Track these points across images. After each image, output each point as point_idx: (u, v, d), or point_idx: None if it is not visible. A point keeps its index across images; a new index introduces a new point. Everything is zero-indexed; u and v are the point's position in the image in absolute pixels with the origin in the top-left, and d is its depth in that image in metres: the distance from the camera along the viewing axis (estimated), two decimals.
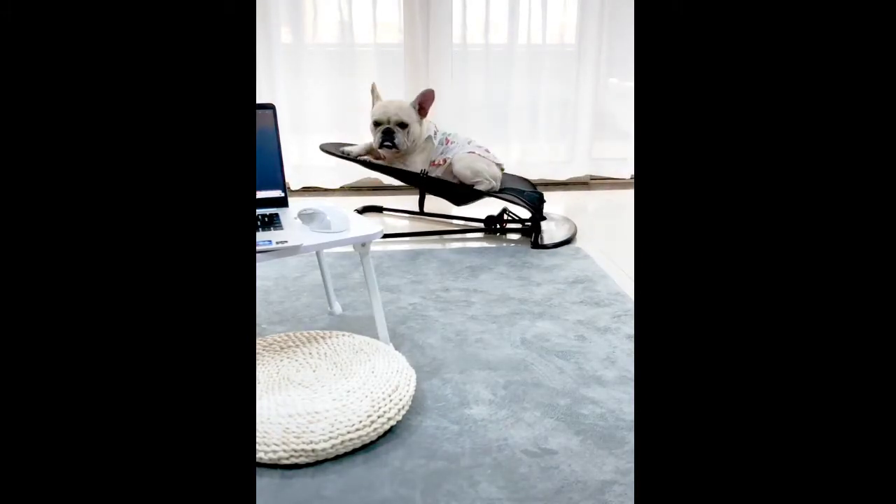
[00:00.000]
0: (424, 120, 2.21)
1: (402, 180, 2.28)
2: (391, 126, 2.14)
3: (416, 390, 1.28)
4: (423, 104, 2.18)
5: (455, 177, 2.21)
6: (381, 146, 2.18)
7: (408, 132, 2.15)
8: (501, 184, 2.28)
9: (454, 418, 1.20)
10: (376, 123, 2.17)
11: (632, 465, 1.07)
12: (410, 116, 2.15)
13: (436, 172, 2.23)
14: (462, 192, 2.23)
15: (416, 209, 2.51)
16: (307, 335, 1.41)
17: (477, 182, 2.19)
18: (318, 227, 1.32)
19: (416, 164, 2.20)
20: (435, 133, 2.26)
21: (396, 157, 2.22)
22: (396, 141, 2.15)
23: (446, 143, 2.25)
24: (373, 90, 2.23)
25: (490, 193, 2.21)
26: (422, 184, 2.24)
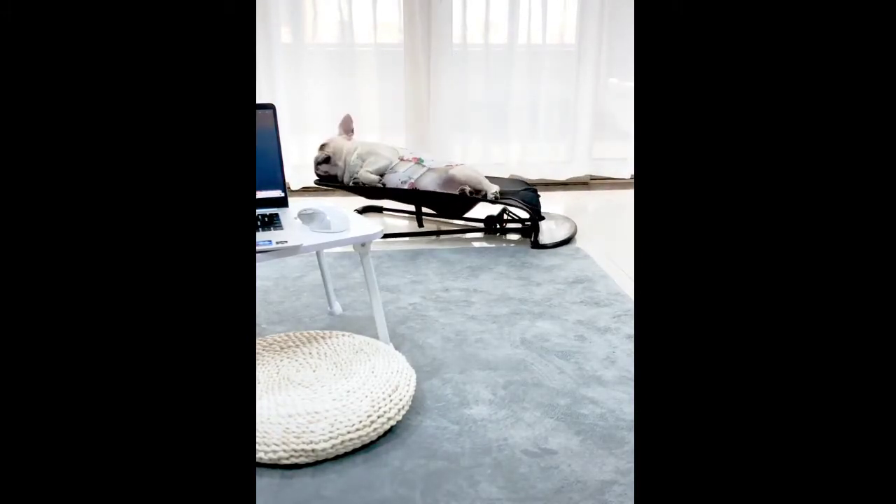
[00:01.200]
0: (350, 139, 2.35)
1: (393, 199, 2.29)
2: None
3: (416, 390, 1.28)
4: (346, 127, 2.37)
5: (455, 183, 2.19)
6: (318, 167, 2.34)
7: (332, 150, 2.29)
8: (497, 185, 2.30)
9: (454, 418, 1.20)
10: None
11: (632, 465, 1.07)
12: (332, 138, 2.34)
13: (419, 174, 2.21)
14: (457, 203, 2.22)
15: (415, 214, 2.52)
16: (307, 335, 1.41)
17: (473, 189, 2.20)
18: (318, 227, 1.32)
19: (348, 167, 2.28)
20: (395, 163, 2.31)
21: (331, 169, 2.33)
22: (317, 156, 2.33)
23: (402, 161, 2.29)
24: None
25: (486, 199, 2.21)
26: (415, 199, 2.26)
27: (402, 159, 2.26)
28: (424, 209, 2.47)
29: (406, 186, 2.20)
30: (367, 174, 2.21)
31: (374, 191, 2.23)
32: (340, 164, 2.27)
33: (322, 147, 2.29)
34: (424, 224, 2.46)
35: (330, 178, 2.30)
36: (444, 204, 2.27)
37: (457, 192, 2.17)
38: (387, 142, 2.50)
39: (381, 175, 2.23)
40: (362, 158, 2.24)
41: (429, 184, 2.20)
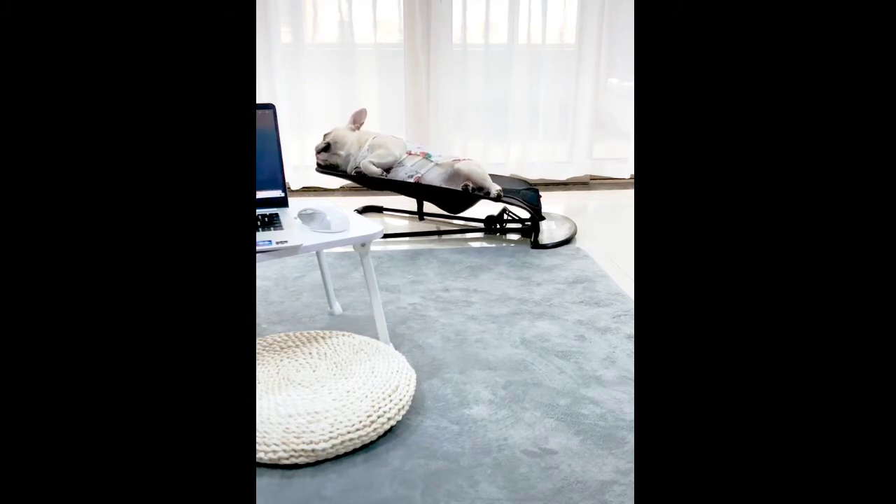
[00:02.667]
0: (358, 130, 2.34)
1: (397, 192, 2.29)
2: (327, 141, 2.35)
3: (416, 390, 1.28)
4: (356, 119, 2.35)
5: (460, 178, 2.19)
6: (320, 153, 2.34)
7: (334, 138, 2.30)
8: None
9: (454, 418, 1.20)
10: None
11: (632, 465, 1.07)
12: (336, 128, 2.35)
13: (425, 168, 2.21)
14: (459, 198, 2.22)
15: (416, 209, 2.52)
16: (307, 335, 1.41)
17: (482, 186, 2.19)
18: (318, 227, 1.32)
19: (352, 159, 2.27)
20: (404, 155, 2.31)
21: (332, 156, 2.32)
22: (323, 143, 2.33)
23: (409, 155, 2.29)
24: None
25: (488, 196, 2.21)
26: (417, 193, 2.25)
27: (409, 153, 2.25)
28: (426, 205, 2.47)
29: (412, 181, 2.20)
30: (369, 165, 2.20)
31: (376, 181, 2.23)
32: (342, 153, 2.26)
33: (325, 136, 2.30)
34: (425, 220, 2.46)
35: (331, 167, 2.30)
36: (445, 199, 2.27)
37: (459, 187, 2.17)
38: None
39: (387, 170, 2.22)
40: (371, 149, 2.24)
41: (434, 178, 2.20)
